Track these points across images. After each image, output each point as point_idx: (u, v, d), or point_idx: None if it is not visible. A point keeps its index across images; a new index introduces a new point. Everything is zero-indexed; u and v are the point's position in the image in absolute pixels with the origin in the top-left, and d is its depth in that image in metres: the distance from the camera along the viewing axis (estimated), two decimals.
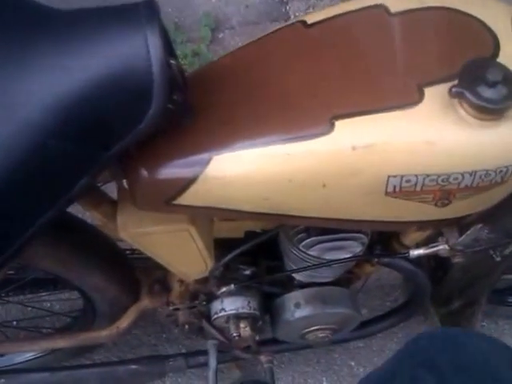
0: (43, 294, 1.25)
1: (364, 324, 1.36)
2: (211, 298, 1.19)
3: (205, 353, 1.36)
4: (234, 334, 1.17)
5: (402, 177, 0.70)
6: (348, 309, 1.18)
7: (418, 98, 0.69)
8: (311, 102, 0.73)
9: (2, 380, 1.22)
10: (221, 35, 2.23)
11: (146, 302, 1.22)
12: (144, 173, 0.75)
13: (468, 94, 0.65)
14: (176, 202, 0.78)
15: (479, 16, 0.75)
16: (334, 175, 0.72)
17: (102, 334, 1.22)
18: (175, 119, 0.72)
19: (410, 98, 0.70)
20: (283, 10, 2.30)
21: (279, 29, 0.82)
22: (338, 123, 0.70)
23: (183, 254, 0.98)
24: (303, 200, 0.76)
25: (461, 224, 0.85)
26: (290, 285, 1.20)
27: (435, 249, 0.89)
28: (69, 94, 0.62)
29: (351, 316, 1.20)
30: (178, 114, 0.71)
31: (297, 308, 1.16)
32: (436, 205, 0.74)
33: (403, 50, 0.76)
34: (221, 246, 1.04)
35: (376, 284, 1.67)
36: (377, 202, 0.74)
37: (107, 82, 0.63)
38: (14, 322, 1.54)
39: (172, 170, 0.75)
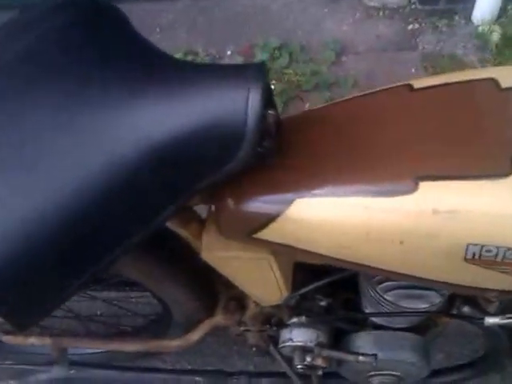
0: (126, 294, 1.31)
1: (435, 373, 1.31)
2: (282, 325, 1.19)
3: (270, 375, 1.37)
4: (298, 366, 1.17)
5: (482, 246, 0.68)
6: (417, 359, 1.14)
7: (509, 170, 0.67)
8: (399, 158, 0.73)
9: (72, 371, 1.29)
10: (344, 59, 2.26)
11: (219, 319, 1.24)
12: (231, 203, 0.79)
13: None
14: (256, 235, 0.81)
15: None
16: (412, 235, 0.71)
17: (172, 344, 1.26)
18: (262, 159, 0.75)
19: (500, 169, 0.68)
20: (413, 41, 2.30)
21: (385, 89, 0.83)
22: (423, 184, 0.69)
23: (260, 281, 0.99)
24: (380, 253, 0.75)
25: None
26: (363, 323, 1.18)
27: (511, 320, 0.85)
28: (165, 137, 0.68)
29: (420, 367, 1.16)
30: (265, 156, 0.75)
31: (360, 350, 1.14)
32: None
33: (504, 123, 0.74)
34: (299, 271, 1.05)
35: (459, 329, 1.60)
36: (454, 266, 0.72)
37: (205, 128, 0.68)
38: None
39: (256, 205, 0.78)
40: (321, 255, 0.79)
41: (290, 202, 0.75)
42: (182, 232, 0.98)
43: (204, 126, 0.68)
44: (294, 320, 1.12)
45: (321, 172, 0.76)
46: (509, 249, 0.67)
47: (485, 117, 0.75)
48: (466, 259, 0.70)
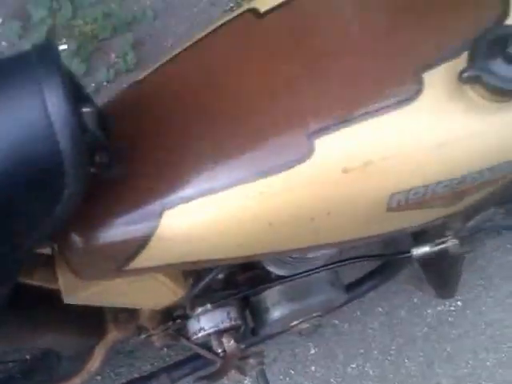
0: None
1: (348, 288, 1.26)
2: (186, 317, 1.05)
3: (186, 361, 1.25)
4: (219, 351, 1.05)
5: (408, 191, 0.57)
6: (330, 293, 1.06)
7: (417, 88, 0.54)
8: (279, 117, 0.57)
9: None
10: None
11: (113, 335, 1.07)
12: (80, 241, 0.60)
13: (486, 77, 0.50)
14: (128, 267, 0.63)
15: None
16: (324, 207, 0.57)
17: (75, 382, 1.07)
18: (102, 177, 0.56)
19: (405, 91, 0.54)
20: None
21: (226, 23, 0.64)
22: (319, 141, 0.55)
23: (149, 295, 0.85)
24: (286, 238, 0.62)
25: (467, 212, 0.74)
26: (267, 279, 1.07)
27: (443, 245, 0.77)
28: None
29: (335, 298, 1.09)
30: (105, 172, 0.56)
31: (276, 307, 1.04)
32: (444, 206, 0.62)
33: (386, 27, 0.58)
34: None
35: None
36: (377, 219, 0.61)
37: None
38: None
39: (115, 232, 0.59)
40: (215, 260, 0.65)
41: (158, 217, 0.58)
42: (31, 283, 0.78)
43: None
44: (199, 311, 0.98)
45: (184, 167, 0.58)
46: (439, 182, 0.56)
47: (359, 27, 0.59)
48: (389, 209, 0.59)
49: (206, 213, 0.58)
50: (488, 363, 1.47)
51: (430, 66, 0.54)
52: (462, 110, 0.53)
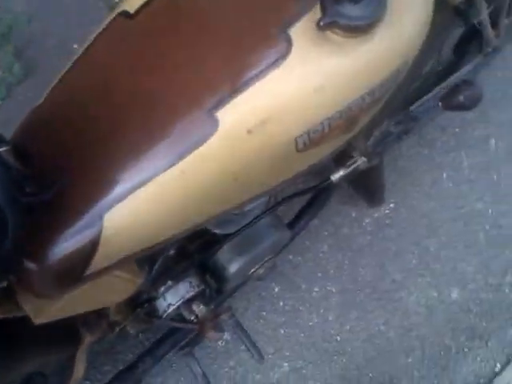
0: None
1: (291, 225, 1.34)
2: (152, 299, 1.11)
3: (165, 338, 1.31)
4: (192, 318, 1.12)
5: (307, 132, 0.64)
6: (275, 235, 1.14)
7: (287, 45, 0.60)
8: (177, 103, 0.63)
9: None
10: None
11: (88, 339, 1.12)
12: (34, 266, 0.64)
13: (340, 21, 0.57)
14: (88, 273, 0.67)
15: None
16: (241, 166, 0.64)
17: None
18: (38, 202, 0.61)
19: (279, 50, 0.60)
20: None
21: (102, 31, 0.68)
22: (220, 113, 0.61)
23: (109, 292, 0.89)
24: (219, 202, 0.68)
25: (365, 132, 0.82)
26: (216, 241, 1.14)
27: (354, 165, 0.86)
28: None
29: (281, 238, 1.17)
30: (38, 198, 0.60)
31: (230, 263, 1.11)
32: (345, 132, 0.70)
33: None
34: None
35: None
36: (292, 161, 0.68)
37: None
38: None
39: (65, 246, 0.63)
40: (164, 240, 0.70)
41: (99, 221, 0.63)
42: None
43: None
44: (162, 289, 1.04)
45: (110, 172, 0.63)
46: (330, 117, 0.64)
47: (222, 5, 0.65)
48: (298, 150, 0.66)
49: (141, 204, 0.63)
50: (431, 248, 1.60)
51: (291, 22, 0.61)
52: (329, 53, 0.60)
